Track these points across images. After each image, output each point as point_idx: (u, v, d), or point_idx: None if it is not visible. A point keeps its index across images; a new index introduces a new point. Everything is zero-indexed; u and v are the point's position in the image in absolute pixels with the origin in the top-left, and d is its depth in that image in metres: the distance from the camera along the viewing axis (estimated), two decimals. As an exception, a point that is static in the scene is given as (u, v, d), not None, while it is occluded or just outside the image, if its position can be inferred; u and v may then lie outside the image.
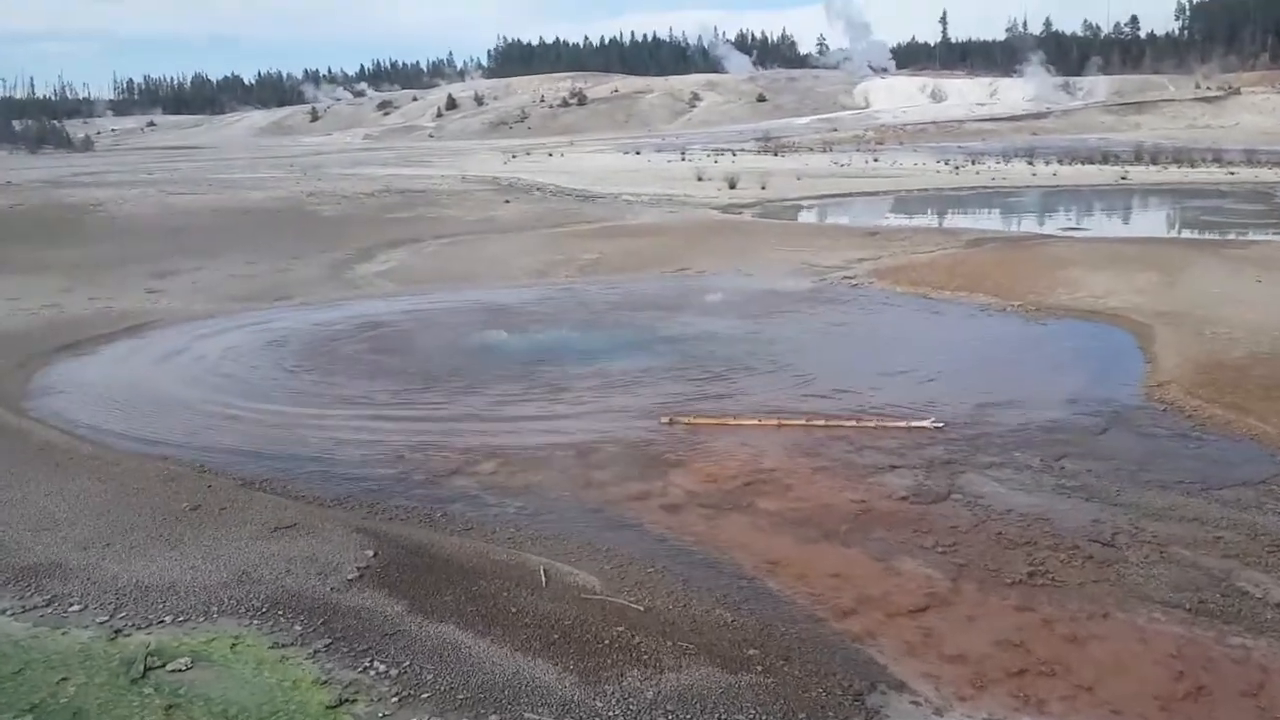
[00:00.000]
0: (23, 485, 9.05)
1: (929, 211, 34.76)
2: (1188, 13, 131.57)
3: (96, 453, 10.10)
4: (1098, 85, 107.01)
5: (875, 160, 57.70)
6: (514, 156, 63.86)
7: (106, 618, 6.56)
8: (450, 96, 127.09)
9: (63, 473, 9.39)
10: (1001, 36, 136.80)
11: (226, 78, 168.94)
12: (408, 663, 6.03)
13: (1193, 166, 48.37)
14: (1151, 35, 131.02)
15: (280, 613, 6.62)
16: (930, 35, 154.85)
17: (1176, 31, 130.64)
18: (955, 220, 31.99)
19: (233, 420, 11.40)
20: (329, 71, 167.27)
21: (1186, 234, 28.26)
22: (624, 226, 28.90)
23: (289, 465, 9.84)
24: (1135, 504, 8.49)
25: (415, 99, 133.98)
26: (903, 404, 11.49)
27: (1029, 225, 30.15)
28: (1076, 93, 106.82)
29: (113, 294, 19.37)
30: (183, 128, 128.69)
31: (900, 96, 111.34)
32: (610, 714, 5.56)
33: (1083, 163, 52.50)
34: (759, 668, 6.03)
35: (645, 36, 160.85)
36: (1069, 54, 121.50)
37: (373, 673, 5.93)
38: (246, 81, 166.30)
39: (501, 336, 15.26)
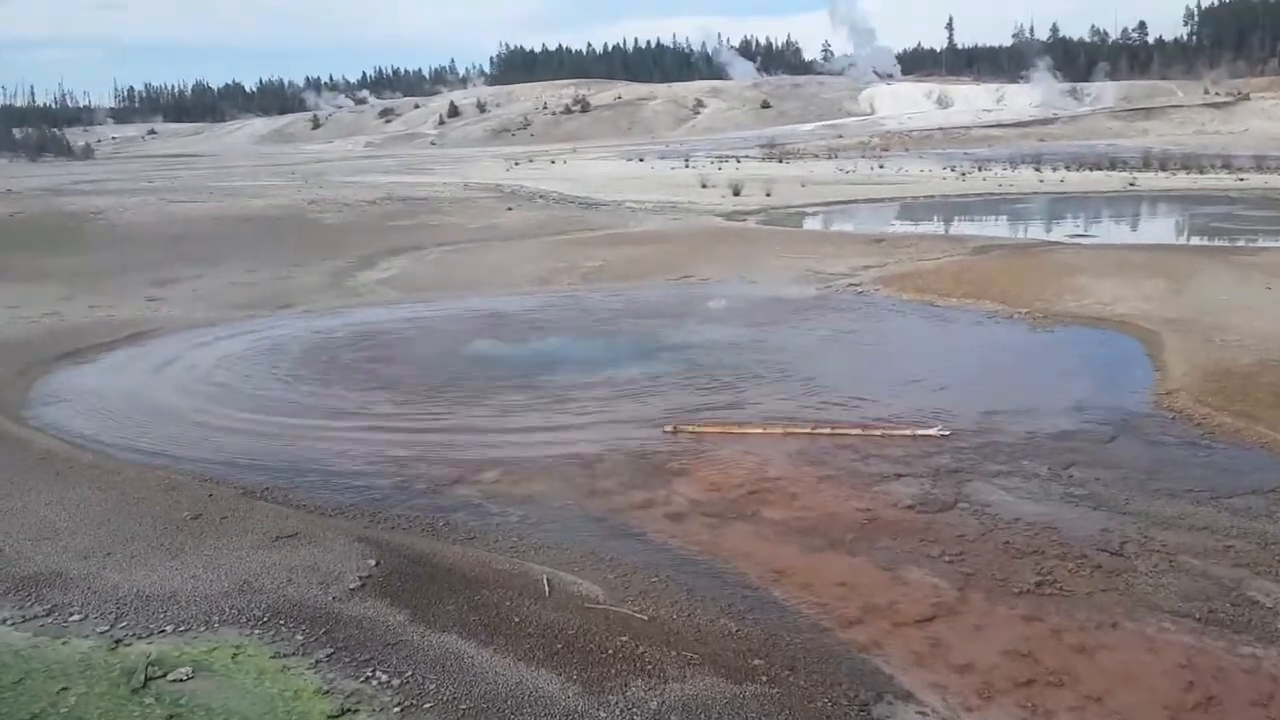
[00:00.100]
0: (23, 494, 9.02)
1: (935, 218, 34.75)
2: (1196, 18, 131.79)
3: (97, 461, 10.09)
4: (1105, 91, 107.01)
5: (881, 167, 57.73)
6: (516, 164, 64.02)
7: (107, 627, 6.53)
8: (452, 104, 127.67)
9: (63, 481, 9.37)
10: (1008, 42, 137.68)
11: (228, 85, 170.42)
12: (410, 672, 5.99)
13: (1201, 173, 48.26)
14: (1160, 41, 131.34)
15: (282, 622, 6.58)
16: (936, 41, 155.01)
17: (1185, 37, 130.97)
18: (962, 227, 31.98)
19: (229, 431, 11.37)
20: (331, 79, 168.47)
21: (1195, 241, 28.19)
22: (627, 234, 28.90)
23: (290, 474, 9.81)
24: (1144, 512, 8.43)
25: (417, 106, 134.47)
26: (909, 412, 11.43)
27: (1036, 232, 30.09)
28: (1084, 99, 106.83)
29: (113, 302, 19.39)
30: (183, 135, 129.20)
31: (906, 103, 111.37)
32: (614, 725, 5.51)
33: (1090, 169, 52.47)
34: (764, 678, 5.98)
35: (649, 43, 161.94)
36: (1076, 60, 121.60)
37: (375, 682, 5.88)
38: (248, 89, 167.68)
39: (503, 345, 15.22)
